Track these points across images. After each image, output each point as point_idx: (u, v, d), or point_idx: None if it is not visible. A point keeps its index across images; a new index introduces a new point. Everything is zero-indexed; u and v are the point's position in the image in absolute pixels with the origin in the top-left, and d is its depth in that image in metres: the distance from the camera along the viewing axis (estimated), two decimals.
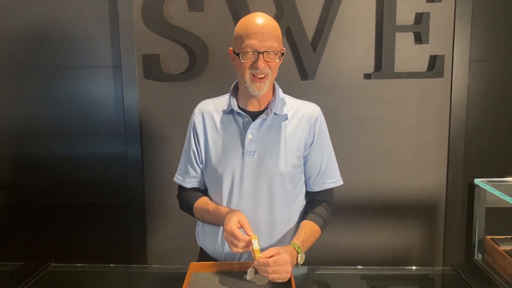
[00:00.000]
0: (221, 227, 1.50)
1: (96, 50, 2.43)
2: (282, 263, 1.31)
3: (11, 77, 2.47)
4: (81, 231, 2.59)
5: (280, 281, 1.33)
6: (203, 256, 1.66)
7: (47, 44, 2.43)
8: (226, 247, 1.50)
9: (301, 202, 1.61)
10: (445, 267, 1.58)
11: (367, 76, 2.40)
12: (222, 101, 1.57)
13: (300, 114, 1.54)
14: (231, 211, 1.46)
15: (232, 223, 1.37)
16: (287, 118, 1.52)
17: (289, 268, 1.33)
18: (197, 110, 1.60)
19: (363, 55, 2.39)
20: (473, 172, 2.46)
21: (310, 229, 1.50)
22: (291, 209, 1.56)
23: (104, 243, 2.59)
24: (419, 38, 2.35)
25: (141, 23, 2.38)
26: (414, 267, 1.62)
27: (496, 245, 1.52)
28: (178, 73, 2.42)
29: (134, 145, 2.47)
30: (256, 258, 1.31)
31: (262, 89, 1.44)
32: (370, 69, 2.40)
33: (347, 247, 2.54)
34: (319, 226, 1.53)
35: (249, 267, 1.39)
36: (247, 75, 1.42)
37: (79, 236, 2.60)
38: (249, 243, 1.34)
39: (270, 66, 1.42)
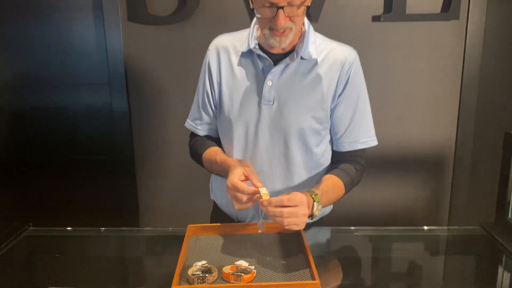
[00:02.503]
0: None
1: None
2: (298, 203, 1.12)
3: None
4: (63, 191, 2.51)
5: (296, 227, 1.14)
6: (217, 211, 1.54)
7: None
8: None
9: (325, 166, 1.43)
10: (472, 227, 1.46)
11: (376, 19, 2.26)
12: (242, 38, 1.36)
13: (331, 58, 1.33)
14: (238, 162, 1.29)
15: (234, 176, 1.20)
16: (316, 64, 1.32)
17: (306, 210, 1.15)
18: (212, 46, 1.41)
19: None
20: (486, 124, 2.37)
21: (333, 183, 1.32)
22: (313, 171, 1.39)
23: (90, 204, 2.52)
24: None
25: None
26: (446, 227, 1.51)
27: None
28: (166, 14, 2.27)
29: (119, 95, 2.37)
30: (265, 199, 1.13)
31: (283, 43, 1.24)
32: (379, 10, 2.25)
33: (352, 205, 2.39)
34: (344, 183, 1.34)
35: (256, 225, 1.26)
36: (265, 30, 1.22)
37: (61, 197, 2.51)
38: (253, 195, 1.17)
39: (293, 20, 1.21)
